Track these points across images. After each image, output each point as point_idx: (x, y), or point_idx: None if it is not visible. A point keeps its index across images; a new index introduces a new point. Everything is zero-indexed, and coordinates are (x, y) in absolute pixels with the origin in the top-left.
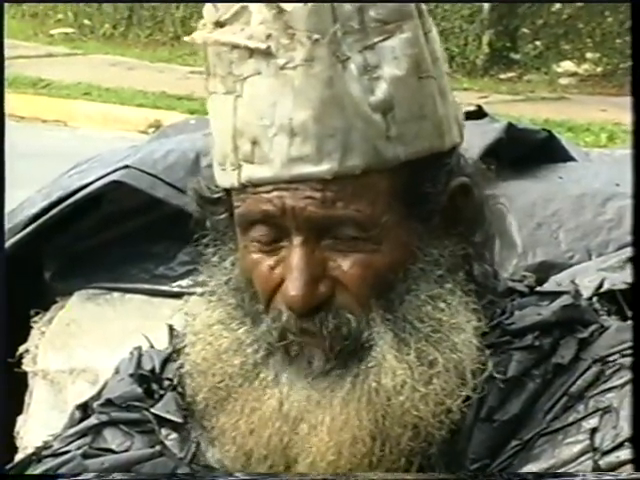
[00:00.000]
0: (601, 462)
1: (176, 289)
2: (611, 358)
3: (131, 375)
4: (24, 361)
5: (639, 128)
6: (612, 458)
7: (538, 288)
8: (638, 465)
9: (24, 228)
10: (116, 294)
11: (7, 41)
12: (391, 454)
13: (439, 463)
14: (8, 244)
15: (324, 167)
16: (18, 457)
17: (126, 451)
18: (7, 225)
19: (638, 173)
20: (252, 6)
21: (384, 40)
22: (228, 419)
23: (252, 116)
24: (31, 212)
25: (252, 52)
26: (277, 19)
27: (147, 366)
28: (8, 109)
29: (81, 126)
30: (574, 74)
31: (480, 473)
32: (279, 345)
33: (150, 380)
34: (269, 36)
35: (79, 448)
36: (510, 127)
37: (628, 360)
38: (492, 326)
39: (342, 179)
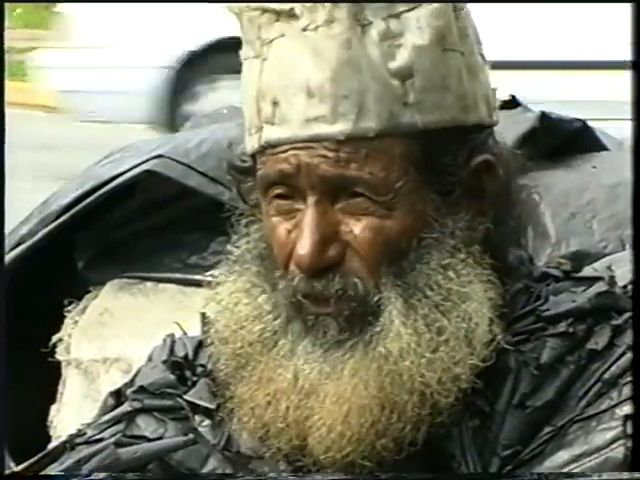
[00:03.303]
0: None
1: (209, 278)
2: None
3: (164, 362)
4: (57, 350)
5: (639, 129)
6: None
7: (573, 274)
8: (638, 465)
9: (57, 218)
10: (149, 284)
11: (38, 32)
12: (398, 422)
13: (471, 450)
14: (41, 234)
15: (338, 127)
16: (51, 446)
17: (159, 438)
18: (40, 215)
19: (638, 172)
20: None
21: (410, 10)
22: (246, 389)
23: (274, 77)
24: (64, 202)
25: (279, 15)
26: None
27: (180, 353)
28: (38, 100)
29: None
30: None
31: (511, 460)
32: (293, 309)
33: (183, 367)
34: None
35: (112, 435)
36: (544, 116)
37: None
38: (526, 312)
39: (357, 141)
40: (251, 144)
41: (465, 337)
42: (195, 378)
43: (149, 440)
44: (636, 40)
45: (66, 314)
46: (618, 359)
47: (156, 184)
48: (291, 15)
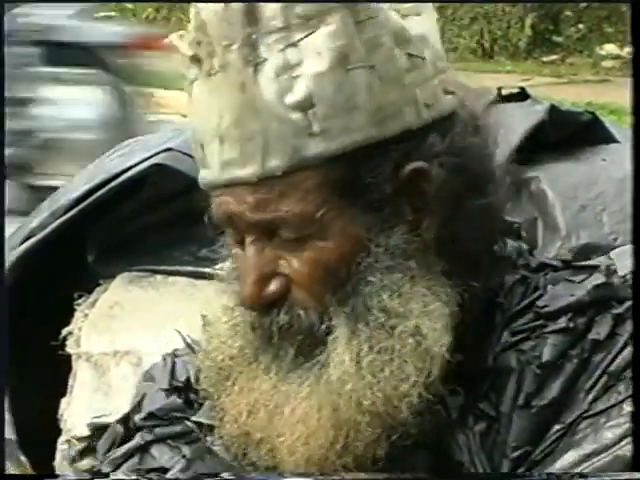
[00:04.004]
0: None
1: (219, 271)
2: None
3: (168, 387)
4: (67, 343)
5: (639, 128)
6: None
7: (573, 262)
8: (638, 465)
9: (67, 211)
10: (159, 276)
11: None
12: (356, 441)
13: (480, 455)
14: (51, 227)
15: (248, 170)
16: (61, 439)
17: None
18: (50, 208)
19: (638, 168)
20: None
21: (308, 36)
22: (229, 399)
23: (197, 121)
24: (74, 195)
25: (189, 59)
26: (201, 27)
27: (181, 377)
28: None
29: None
30: (617, 57)
31: (523, 461)
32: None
33: (187, 390)
34: (199, 43)
35: (130, 471)
36: (553, 109)
37: None
38: (525, 308)
39: (270, 180)
40: None
41: (414, 352)
42: (201, 400)
43: (167, 470)
44: (636, 40)
45: (76, 307)
46: (622, 350)
47: (166, 177)
48: (196, 59)
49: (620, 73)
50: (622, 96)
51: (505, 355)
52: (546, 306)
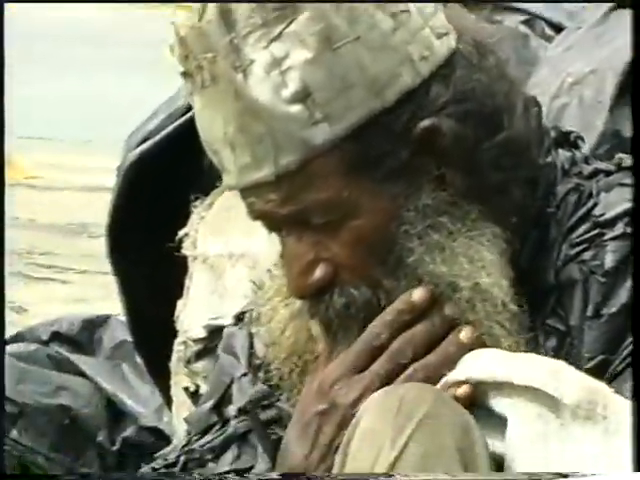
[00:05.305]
0: None
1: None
2: None
3: (250, 369)
4: (184, 245)
5: (638, 134)
6: None
7: (624, 164)
8: (638, 465)
9: (186, 112)
10: None
11: None
12: None
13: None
14: (168, 130)
15: (264, 172)
16: (177, 340)
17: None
18: (168, 110)
19: (638, 169)
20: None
21: (288, 26)
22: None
23: (204, 131)
24: None
25: (182, 74)
26: (183, 43)
27: (260, 352)
28: None
29: None
30: None
31: (602, 372)
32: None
33: (268, 366)
34: (186, 57)
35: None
36: None
37: None
38: (580, 218)
39: (288, 176)
40: None
41: (486, 308)
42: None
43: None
44: (636, 41)
45: (192, 209)
46: None
47: None
48: (188, 74)
49: None
50: None
51: (567, 268)
52: (602, 214)
